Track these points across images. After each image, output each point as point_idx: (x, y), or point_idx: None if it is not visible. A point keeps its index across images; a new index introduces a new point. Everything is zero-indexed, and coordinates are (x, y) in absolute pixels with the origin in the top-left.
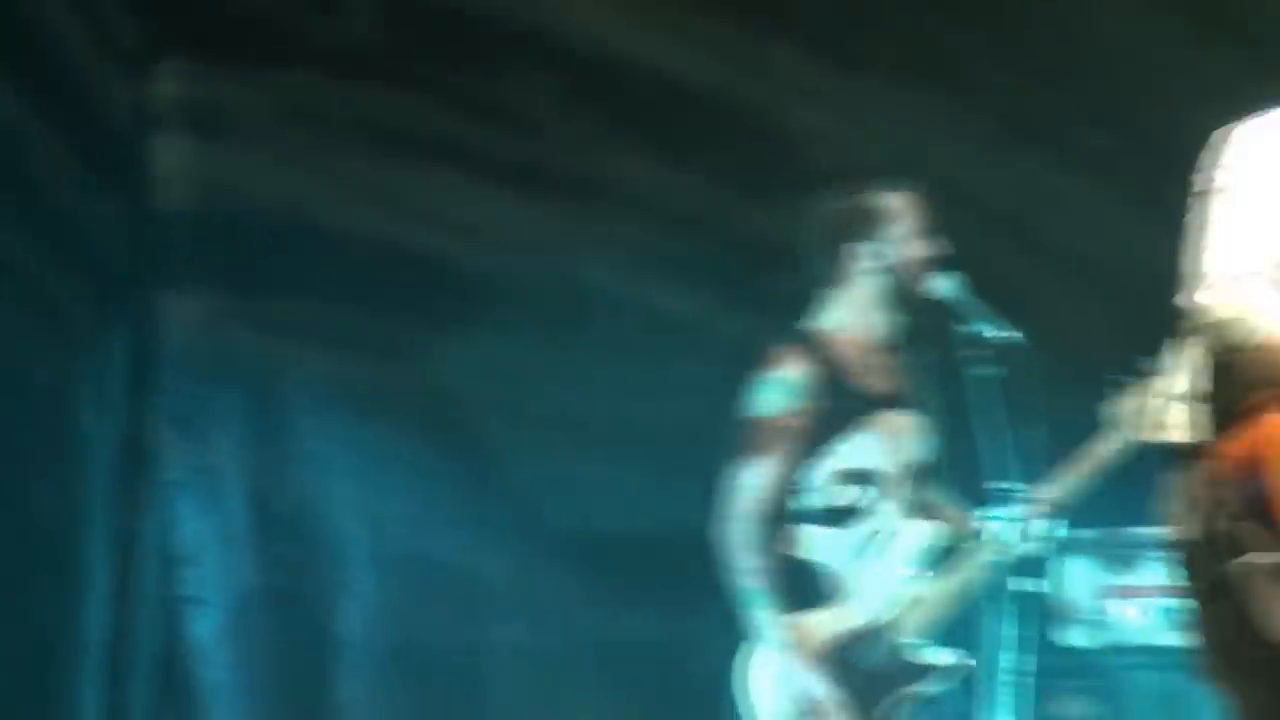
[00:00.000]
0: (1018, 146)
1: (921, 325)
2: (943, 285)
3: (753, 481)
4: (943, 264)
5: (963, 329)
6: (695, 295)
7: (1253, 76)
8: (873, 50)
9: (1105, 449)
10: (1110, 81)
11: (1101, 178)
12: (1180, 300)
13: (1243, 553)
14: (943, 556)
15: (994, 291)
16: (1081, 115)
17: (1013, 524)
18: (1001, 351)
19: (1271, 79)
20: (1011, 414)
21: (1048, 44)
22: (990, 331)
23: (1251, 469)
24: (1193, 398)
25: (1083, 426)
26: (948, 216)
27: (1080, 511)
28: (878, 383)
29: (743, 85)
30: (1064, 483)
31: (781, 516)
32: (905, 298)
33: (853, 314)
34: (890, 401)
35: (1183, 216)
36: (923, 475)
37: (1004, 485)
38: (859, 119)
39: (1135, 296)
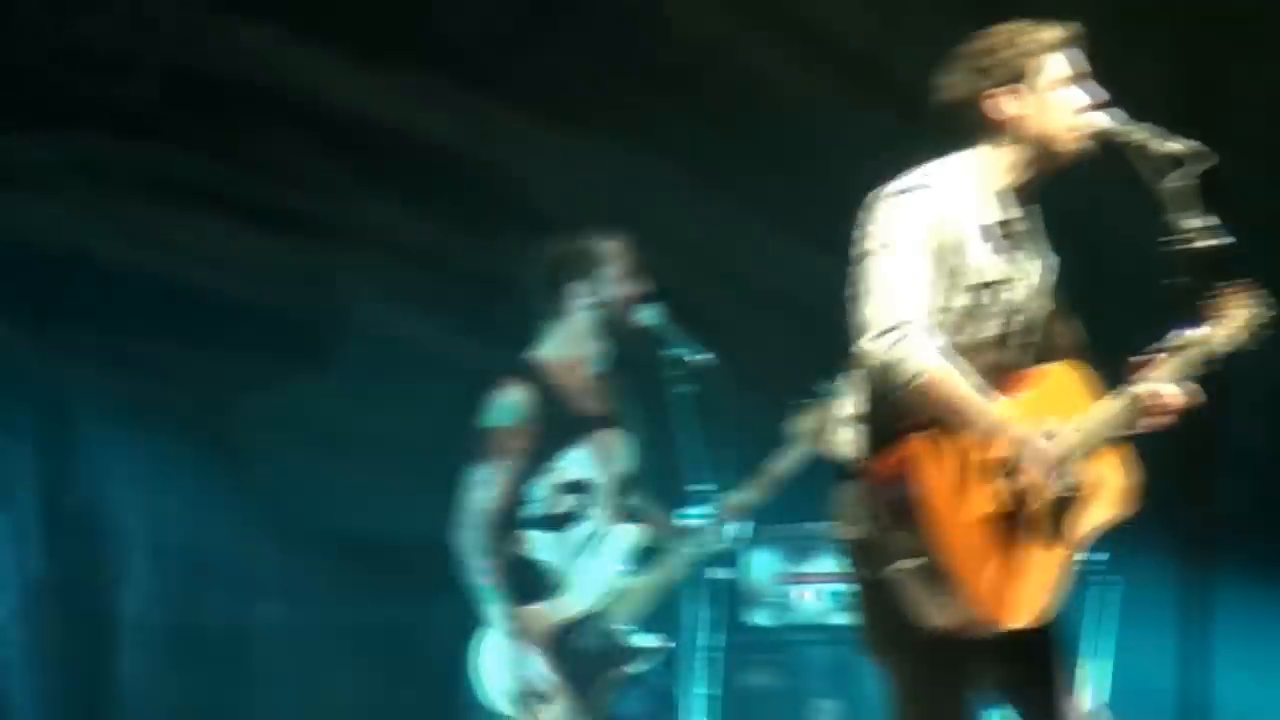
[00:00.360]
0: (710, 194)
1: (630, 352)
2: (648, 316)
3: (483, 490)
4: (647, 298)
5: (665, 354)
6: (434, 324)
7: (905, 134)
8: (584, 112)
9: (787, 460)
10: (787, 138)
11: (781, 220)
12: (851, 345)
13: (892, 558)
14: (648, 553)
15: (692, 321)
16: (763, 166)
17: (707, 522)
18: (698, 373)
19: (920, 136)
20: (707, 427)
21: (735, 107)
22: (689, 356)
23: (897, 482)
24: (856, 422)
25: (769, 437)
26: (652, 256)
27: (765, 510)
28: (591, 404)
29: (473, 141)
30: (752, 487)
31: (509, 522)
32: (616, 329)
33: (570, 344)
34: (602, 421)
35: (849, 255)
36: (630, 484)
37: (700, 488)
38: (573, 171)
39: (813, 326)
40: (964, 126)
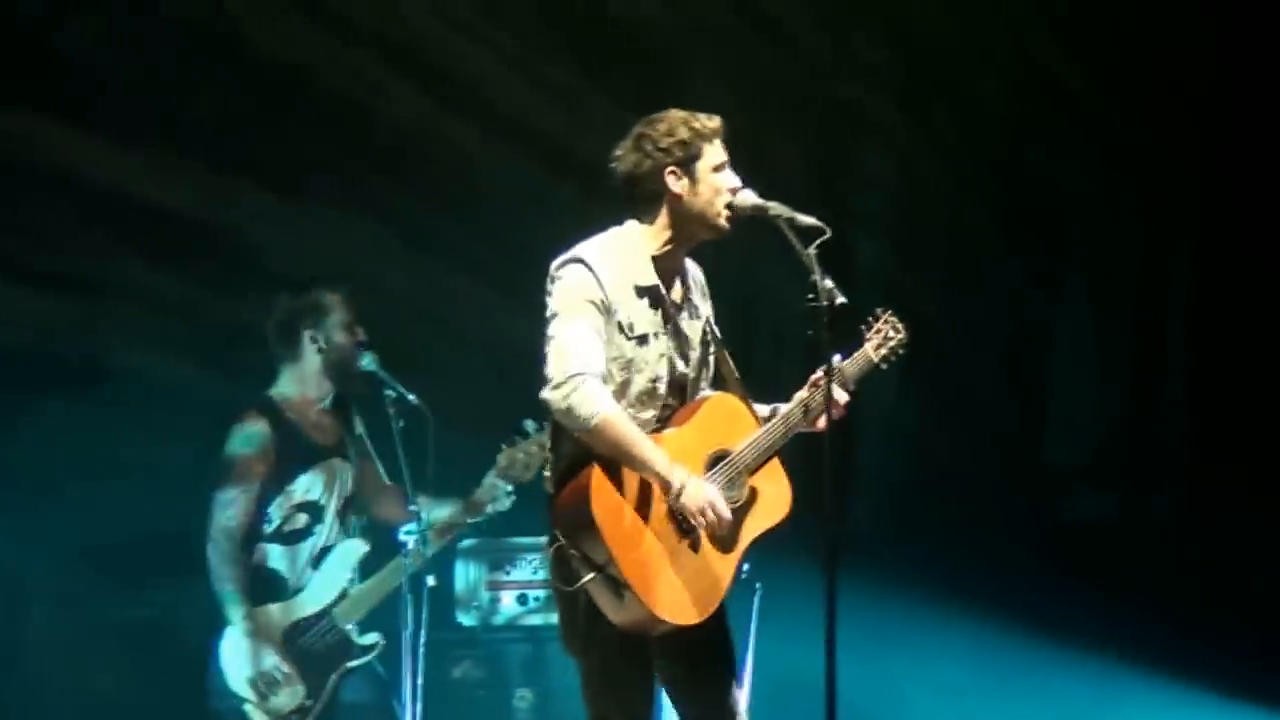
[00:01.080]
0: (422, 255)
1: (354, 391)
2: (366, 361)
3: (228, 509)
4: (366, 345)
5: (385, 394)
6: (184, 366)
7: (586, 204)
8: (312, 184)
9: (490, 488)
10: (489, 207)
11: (483, 278)
12: (539, 395)
13: (577, 569)
14: (368, 563)
15: (406, 365)
16: (469, 232)
17: (422, 537)
18: (409, 410)
19: (599, 204)
20: (419, 456)
21: (443, 180)
22: (403, 395)
23: (576, 507)
24: (550, 458)
25: (473, 465)
26: (371, 309)
27: (471, 526)
28: (321, 436)
29: (217, 210)
30: (459, 509)
31: (250, 536)
32: (340, 370)
33: (302, 383)
34: (331, 450)
35: (542, 305)
36: (354, 505)
37: (416, 508)
38: (305, 235)
39: (512, 369)
40: (638, 196)
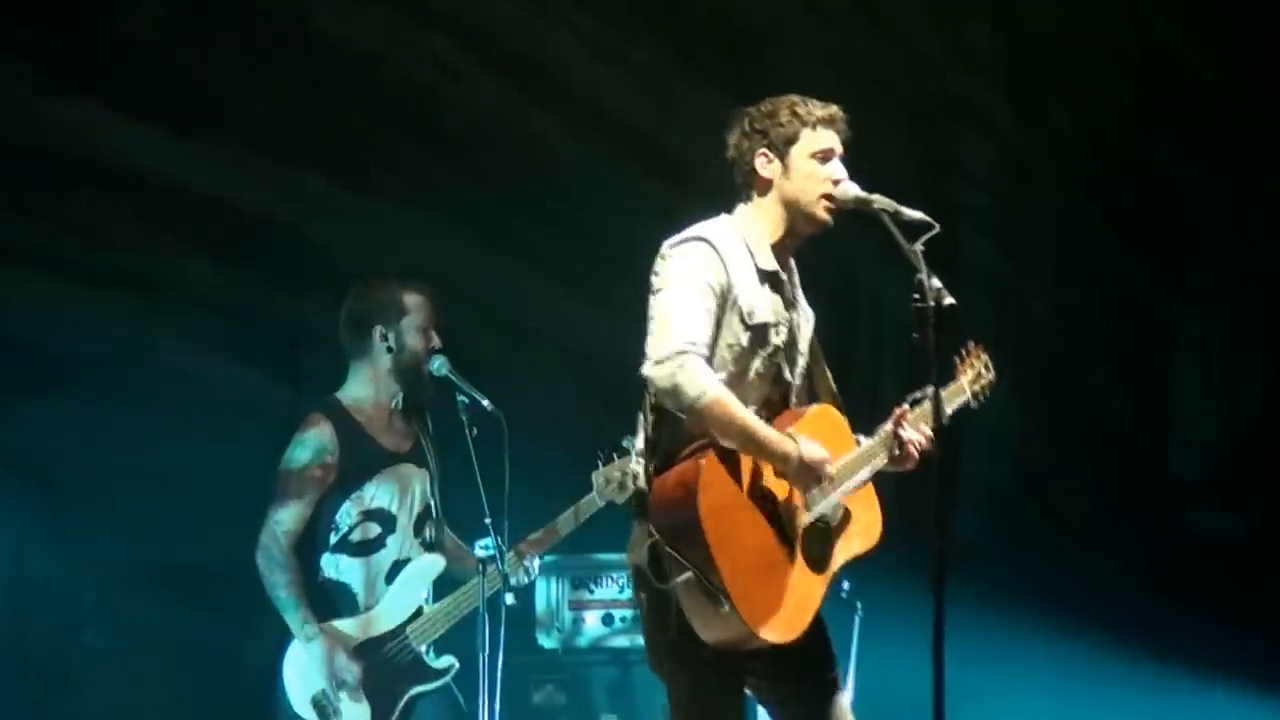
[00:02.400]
0: (497, 255)
1: (423, 397)
2: (438, 366)
3: (285, 515)
4: (440, 350)
5: (459, 400)
6: (245, 370)
7: (677, 199)
8: (380, 178)
9: (584, 506)
10: (569, 203)
11: (562, 280)
12: (640, 371)
13: (669, 575)
14: (445, 580)
15: (479, 372)
16: (547, 230)
17: (501, 554)
18: (483, 416)
19: (690, 201)
20: (497, 467)
21: (520, 174)
22: (477, 401)
23: (676, 504)
24: (642, 452)
25: (553, 478)
26: (442, 311)
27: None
28: (393, 440)
29: (280, 205)
30: (549, 528)
31: (313, 545)
32: (413, 375)
33: (372, 384)
34: (402, 456)
35: (626, 310)
36: (429, 516)
37: (490, 521)
38: (372, 232)
39: (593, 379)
40: (738, 181)
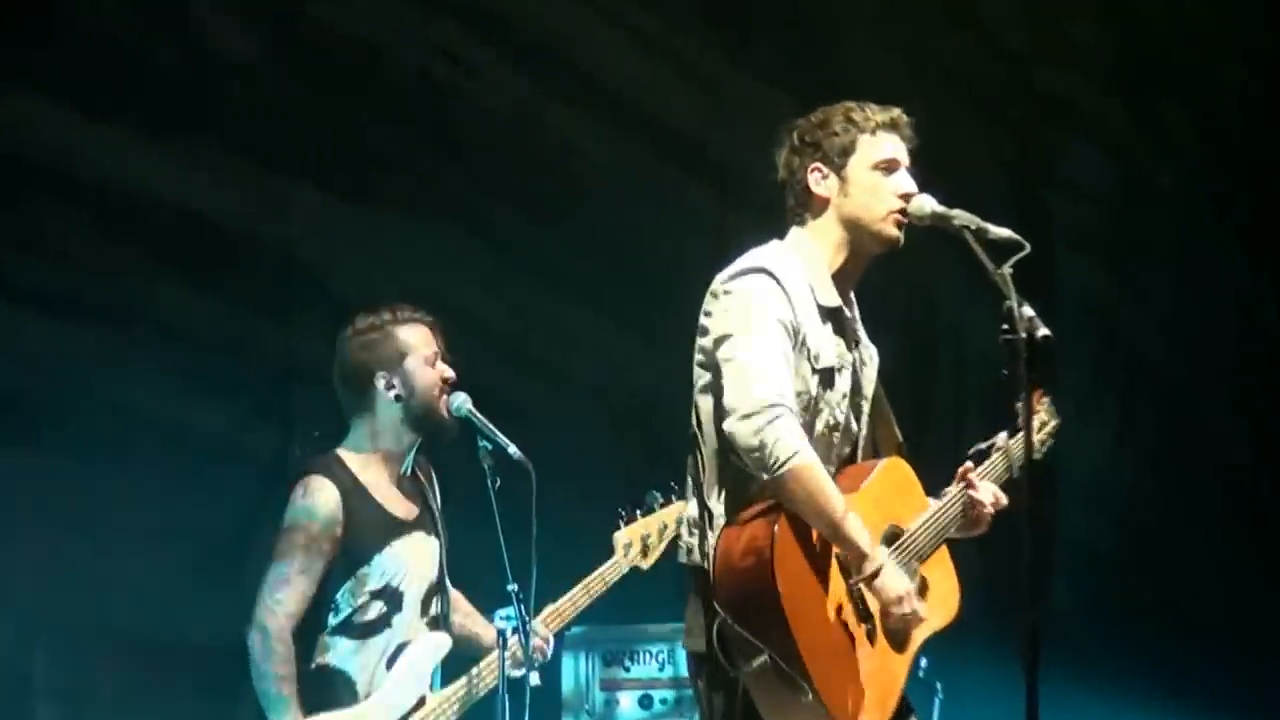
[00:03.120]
0: (517, 275)
1: (441, 444)
2: (457, 406)
3: (282, 592)
4: (456, 386)
5: (480, 445)
6: (227, 411)
7: (728, 210)
8: (381, 188)
9: (609, 570)
10: (600, 215)
11: (592, 304)
12: (724, 427)
13: (738, 659)
14: (458, 661)
15: (501, 411)
16: (574, 247)
17: (523, 626)
18: (510, 467)
19: (742, 213)
20: (521, 524)
21: (543, 182)
22: (502, 448)
23: (753, 572)
24: (695, 520)
25: (583, 536)
26: (454, 341)
27: (582, 613)
28: (401, 507)
29: (263, 220)
30: (572, 595)
31: (308, 628)
32: (426, 421)
33: (378, 439)
34: (413, 524)
35: (668, 341)
36: (436, 589)
37: (516, 589)
38: (372, 251)
39: (629, 416)
40: (791, 203)
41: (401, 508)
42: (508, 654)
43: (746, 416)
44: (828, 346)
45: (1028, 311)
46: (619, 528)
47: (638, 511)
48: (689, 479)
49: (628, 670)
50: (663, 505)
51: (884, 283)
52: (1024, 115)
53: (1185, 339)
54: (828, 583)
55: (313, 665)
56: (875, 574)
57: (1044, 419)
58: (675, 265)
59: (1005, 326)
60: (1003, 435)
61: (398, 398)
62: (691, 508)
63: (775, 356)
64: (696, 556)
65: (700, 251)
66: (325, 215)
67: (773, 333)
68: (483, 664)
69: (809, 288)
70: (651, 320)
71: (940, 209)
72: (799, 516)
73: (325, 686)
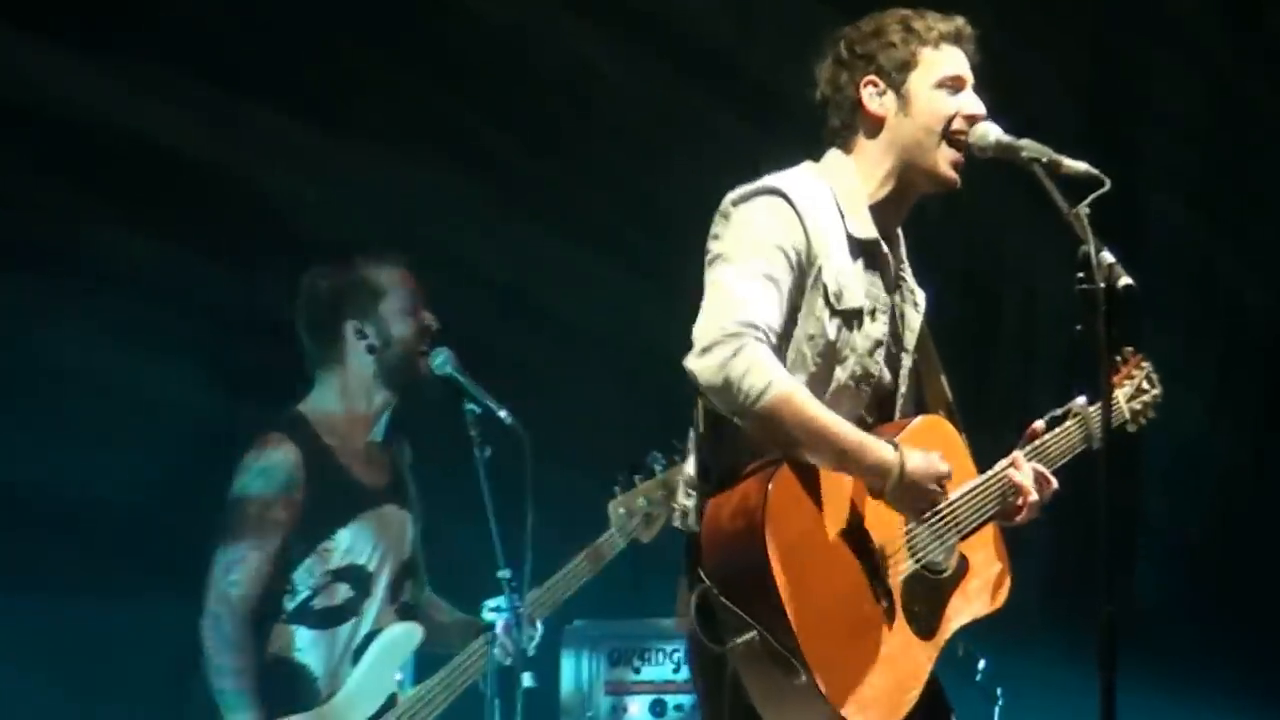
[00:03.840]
0: (514, 213)
1: (419, 406)
2: (439, 362)
3: (235, 573)
4: (439, 339)
5: (465, 408)
6: (178, 371)
7: (761, 139)
8: (355, 112)
9: (602, 548)
10: (611, 144)
11: (600, 246)
12: (683, 363)
13: (727, 637)
14: (434, 656)
15: (492, 368)
16: (579, 180)
17: (514, 619)
18: (503, 432)
19: (778, 142)
20: (513, 500)
21: (542, 103)
22: (492, 410)
23: (743, 535)
24: (693, 480)
25: (590, 514)
26: (441, 288)
27: (582, 603)
28: (372, 472)
29: (222, 149)
30: (565, 577)
31: (267, 613)
32: (402, 376)
33: (348, 395)
34: (385, 493)
35: (687, 288)
36: (409, 573)
37: (507, 575)
38: (345, 184)
39: (643, 373)
40: (834, 122)
41: (370, 476)
42: (497, 647)
43: (707, 350)
44: (855, 284)
45: (1107, 258)
46: (615, 494)
47: (636, 477)
48: (690, 433)
49: (638, 671)
50: (668, 468)
51: (939, 223)
52: (1107, 31)
53: None
54: (835, 552)
55: (266, 657)
56: (901, 473)
57: (1142, 385)
58: (696, 200)
59: (1081, 275)
60: (1081, 399)
61: (370, 349)
62: (690, 466)
63: (758, 281)
64: (692, 520)
65: (726, 185)
66: (290, 143)
67: (765, 257)
68: (462, 658)
69: (838, 215)
70: (670, 264)
71: (1006, 138)
72: (803, 468)
73: (282, 682)
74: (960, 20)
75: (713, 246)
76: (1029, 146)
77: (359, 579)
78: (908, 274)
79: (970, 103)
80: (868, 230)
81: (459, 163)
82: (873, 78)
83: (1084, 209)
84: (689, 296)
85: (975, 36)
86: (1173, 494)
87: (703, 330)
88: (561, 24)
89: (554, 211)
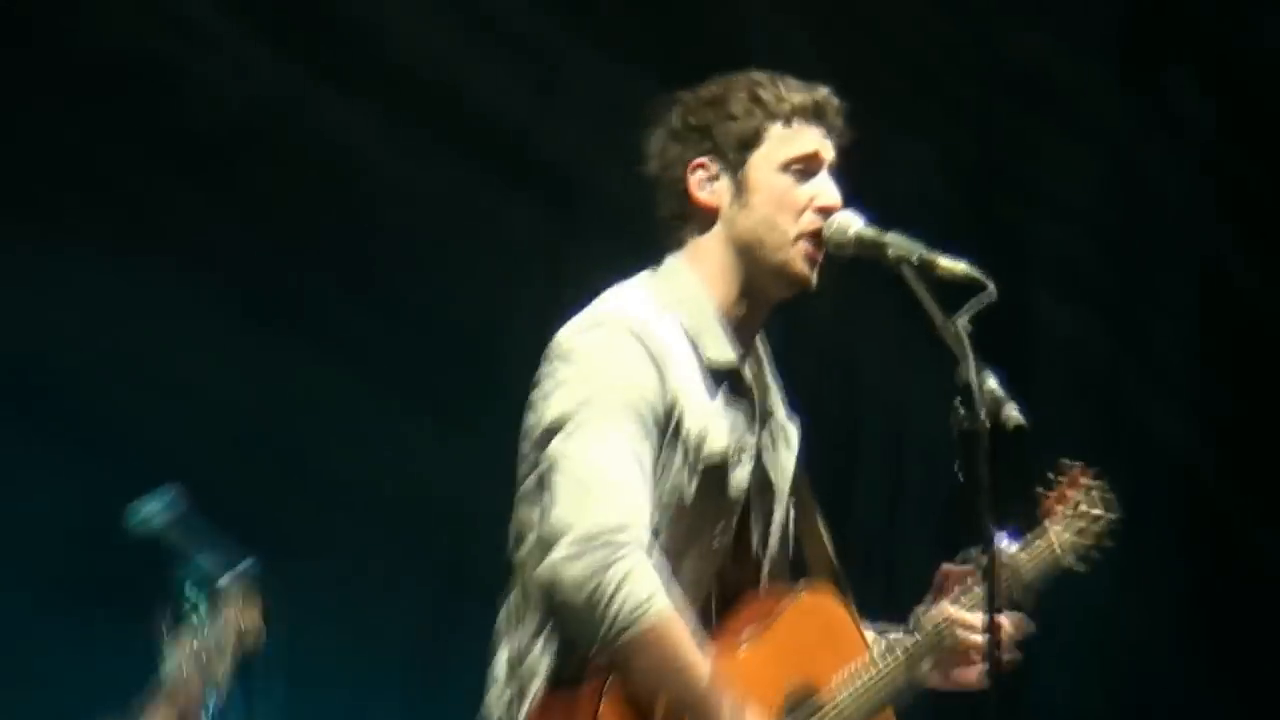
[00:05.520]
0: (259, 338)
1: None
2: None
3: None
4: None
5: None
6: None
7: (578, 239)
8: (61, 207)
9: None
10: (390, 252)
11: (375, 377)
12: (538, 571)
13: None
14: None
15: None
16: (340, 292)
17: None
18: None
19: (586, 236)
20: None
21: (305, 200)
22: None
23: None
24: (506, 678)
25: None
26: (171, 425)
27: None
28: None
29: None
30: None
31: None
32: None
33: None
34: None
35: (484, 429)
36: None
37: None
38: (49, 296)
39: (433, 538)
40: (663, 211)
41: None
42: None
43: (574, 556)
44: (718, 427)
45: (992, 383)
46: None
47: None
48: (501, 621)
49: None
50: None
51: (786, 338)
52: (990, 97)
53: (1210, 417)
54: None
55: None
56: None
57: (1084, 509)
58: (495, 317)
59: (959, 403)
60: (1004, 539)
61: None
62: (500, 662)
63: (623, 460)
64: None
65: (529, 295)
66: None
67: (623, 420)
68: None
69: (690, 343)
70: (457, 400)
71: (870, 232)
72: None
73: None
74: (824, 91)
75: (552, 402)
76: (896, 243)
77: None
78: (775, 402)
79: (825, 190)
80: (724, 352)
81: (189, 270)
82: (703, 160)
83: (963, 320)
84: (479, 440)
85: (841, 110)
86: (1071, 669)
87: (563, 521)
88: (323, 100)
89: (309, 333)
